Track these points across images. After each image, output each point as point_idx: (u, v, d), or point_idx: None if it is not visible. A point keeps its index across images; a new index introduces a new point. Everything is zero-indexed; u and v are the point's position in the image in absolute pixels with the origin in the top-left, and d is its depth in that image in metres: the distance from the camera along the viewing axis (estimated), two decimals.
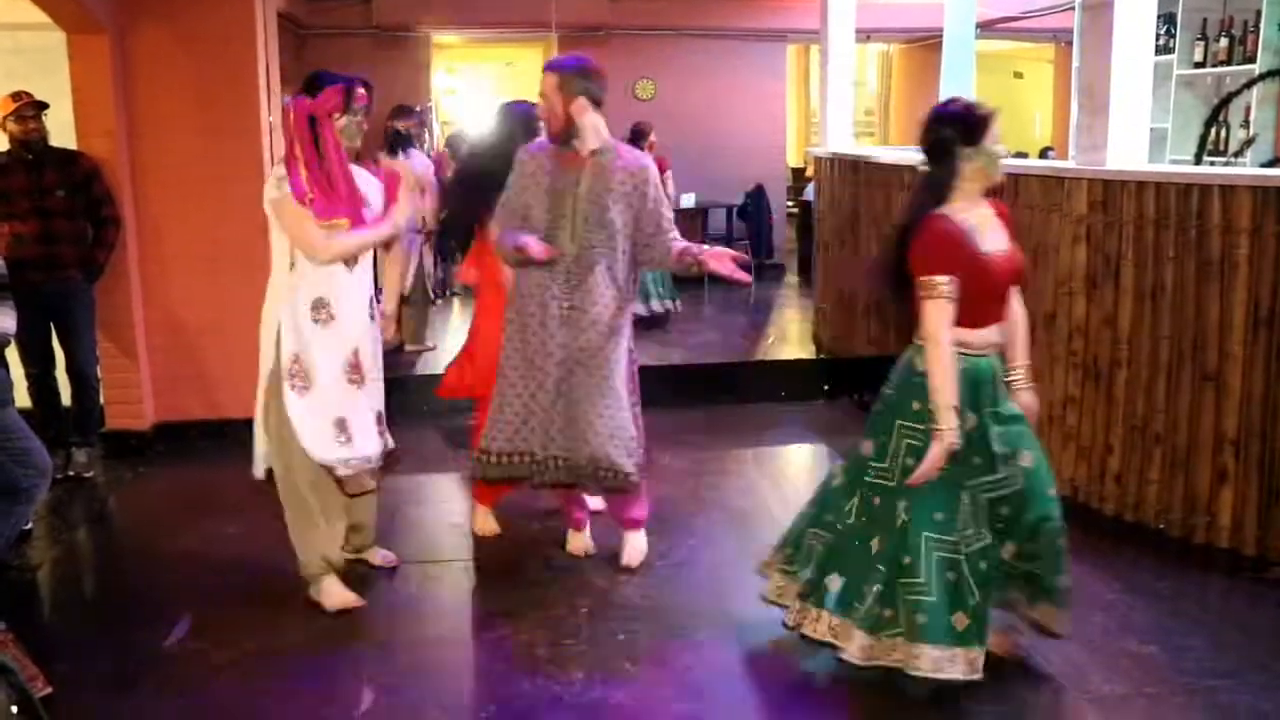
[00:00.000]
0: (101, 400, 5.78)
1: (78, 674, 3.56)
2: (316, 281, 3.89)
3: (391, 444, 4.18)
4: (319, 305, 3.90)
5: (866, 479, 3.41)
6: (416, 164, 7.62)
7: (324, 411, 3.90)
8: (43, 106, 5.36)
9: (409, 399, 6.64)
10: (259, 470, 4.05)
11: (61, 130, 5.60)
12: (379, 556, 4.41)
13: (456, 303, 10.00)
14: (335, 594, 4.02)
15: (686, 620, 3.93)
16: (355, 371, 3.97)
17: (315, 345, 3.89)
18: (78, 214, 5.45)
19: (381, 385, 4.15)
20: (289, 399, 3.86)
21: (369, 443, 4.00)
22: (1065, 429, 5.10)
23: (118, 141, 5.67)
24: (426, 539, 4.77)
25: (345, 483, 3.99)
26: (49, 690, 3.32)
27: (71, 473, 5.48)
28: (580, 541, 4.52)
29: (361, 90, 4.05)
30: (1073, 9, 8.44)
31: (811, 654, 3.59)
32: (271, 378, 3.91)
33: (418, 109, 9.49)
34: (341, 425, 3.92)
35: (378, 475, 4.11)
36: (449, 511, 5.07)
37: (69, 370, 5.56)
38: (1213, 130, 6.74)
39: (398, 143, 7.82)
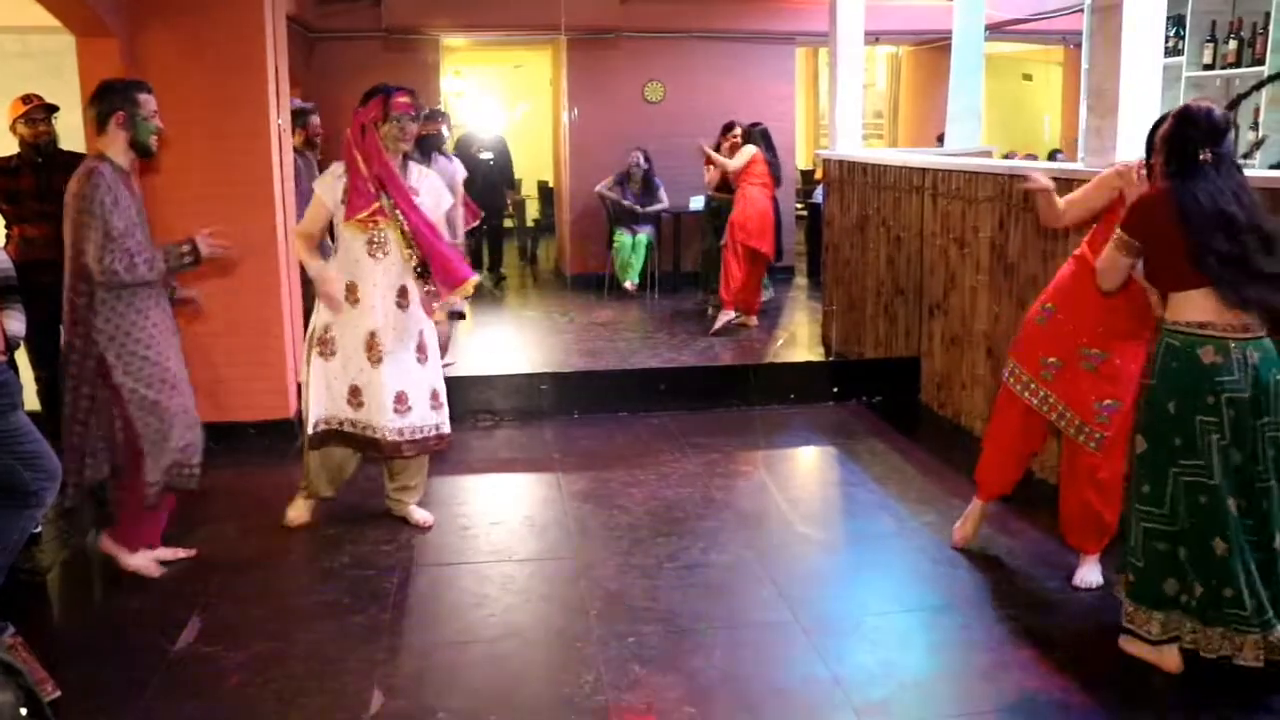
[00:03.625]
0: None
1: (86, 677, 3.57)
2: (346, 267, 4.54)
3: (427, 427, 4.69)
4: (350, 288, 4.54)
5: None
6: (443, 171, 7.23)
7: (343, 376, 4.59)
8: (53, 110, 5.38)
9: None
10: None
11: (71, 134, 5.61)
12: (417, 516, 4.91)
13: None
14: (295, 511, 4.88)
15: (696, 622, 3.93)
16: (371, 350, 4.54)
17: (342, 321, 4.55)
18: None
19: (407, 367, 4.62)
20: (314, 362, 4.61)
21: (380, 415, 4.56)
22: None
23: None
24: (435, 541, 4.77)
25: (348, 439, 4.68)
26: (58, 694, 3.33)
27: None
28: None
29: (403, 99, 4.49)
30: (1082, 11, 8.43)
31: (821, 655, 3.60)
32: (308, 342, 4.66)
33: (442, 111, 9.50)
34: (355, 392, 4.58)
35: (399, 449, 4.64)
36: (457, 514, 5.07)
37: None
38: None
39: (425, 148, 7.34)
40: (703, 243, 9.54)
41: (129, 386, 4.14)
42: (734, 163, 8.65)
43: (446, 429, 4.79)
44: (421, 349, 4.67)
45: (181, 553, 4.56)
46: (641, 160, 10.29)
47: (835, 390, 7.06)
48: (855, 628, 3.90)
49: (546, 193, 14.33)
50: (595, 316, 9.38)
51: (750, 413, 6.82)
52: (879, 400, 6.98)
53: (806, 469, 6.09)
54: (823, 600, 4.21)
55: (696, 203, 10.43)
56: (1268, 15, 6.64)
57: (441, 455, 5.11)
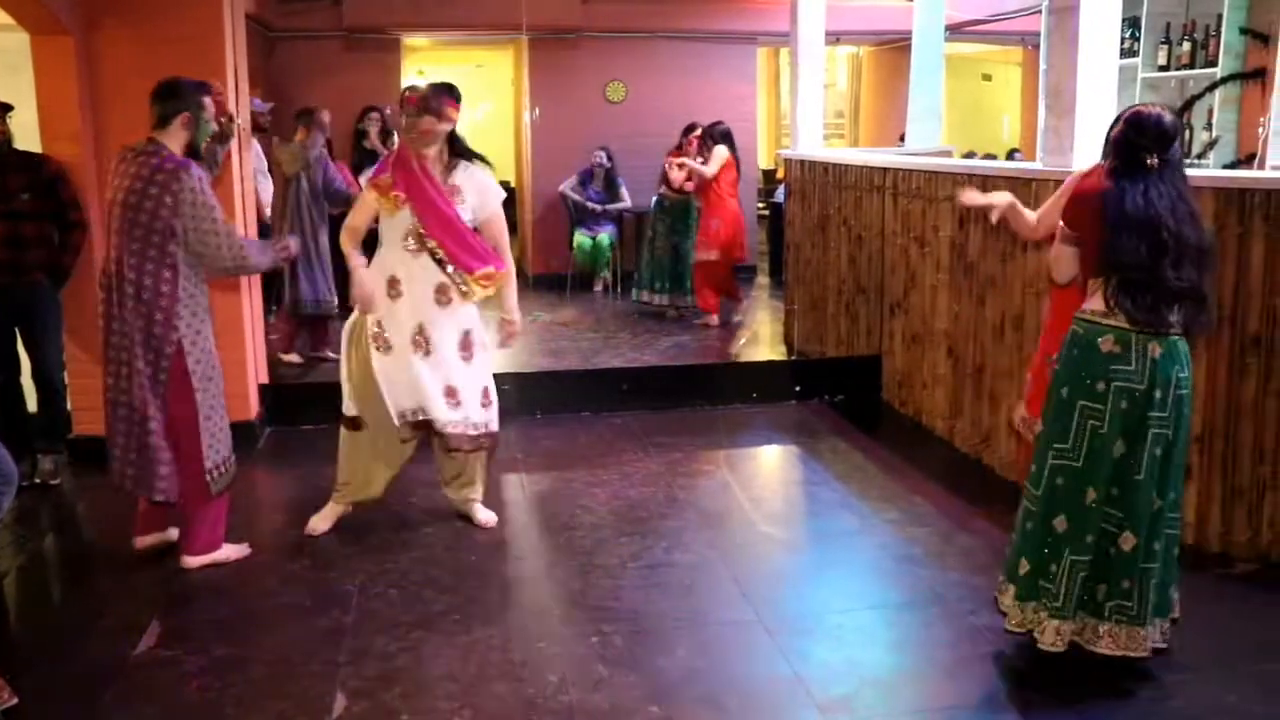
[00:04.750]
0: (68, 406, 5.72)
1: (44, 684, 3.53)
2: (389, 262, 4.60)
3: (478, 424, 4.68)
4: (392, 283, 4.57)
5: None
6: None
7: (399, 369, 4.55)
8: (7, 109, 5.31)
9: None
10: (349, 409, 4.72)
11: (26, 133, 5.55)
12: (480, 515, 4.91)
13: None
14: (321, 517, 4.81)
15: (659, 622, 3.94)
16: (418, 344, 4.56)
17: (389, 315, 4.56)
18: (44, 218, 5.40)
19: (453, 363, 4.62)
20: (374, 356, 4.55)
21: (435, 409, 4.55)
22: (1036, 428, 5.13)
23: (84, 145, 5.61)
24: (397, 542, 4.75)
25: (400, 429, 4.62)
26: (15, 701, 3.29)
27: (37, 480, 5.42)
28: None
29: (407, 94, 4.65)
30: (1040, 13, 8.51)
31: (784, 653, 3.63)
32: (356, 338, 4.65)
33: (387, 110, 9.47)
34: (412, 384, 4.54)
35: (461, 442, 4.64)
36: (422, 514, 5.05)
37: (35, 376, 5.50)
38: None
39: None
40: (652, 242, 9.42)
41: (198, 374, 4.26)
42: (709, 169, 8.63)
43: (495, 427, 4.78)
44: (466, 346, 4.65)
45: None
46: (604, 158, 10.31)
47: (797, 389, 7.09)
48: (818, 625, 3.92)
49: (508, 193, 14.28)
50: (558, 316, 9.37)
51: (713, 412, 6.84)
52: (841, 399, 7.02)
53: (769, 468, 6.11)
54: (785, 598, 4.23)
55: None
56: (1220, 17, 6.74)
57: (493, 453, 5.04)
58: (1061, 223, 3.60)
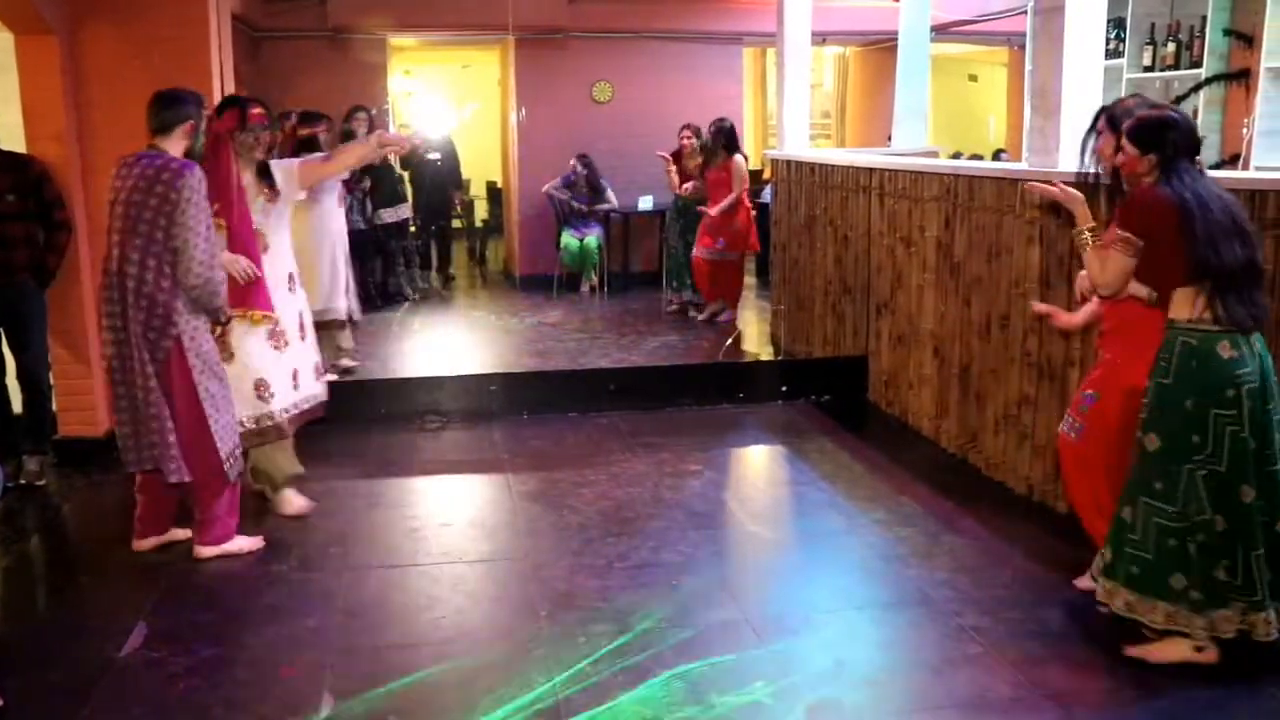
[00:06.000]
0: (53, 407, 5.70)
1: (31, 686, 3.51)
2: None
3: (316, 397, 5.05)
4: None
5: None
6: None
7: (245, 375, 4.68)
8: None
9: (361, 404, 6.59)
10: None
11: (10, 133, 5.52)
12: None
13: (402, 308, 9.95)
14: (292, 502, 5.00)
15: (646, 622, 3.94)
16: (276, 339, 4.76)
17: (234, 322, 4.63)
18: (29, 218, 5.38)
19: (297, 347, 4.91)
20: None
21: (307, 388, 4.94)
22: (1020, 428, 5.15)
23: (68, 145, 5.59)
24: (384, 543, 4.74)
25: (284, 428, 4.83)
26: (0, 703, 3.27)
27: (23, 481, 5.40)
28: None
29: (257, 110, 4.74)
30: (1026, 13, 8.54)
31: (768, 653, 3.63)
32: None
33: (374, 110, 9.46)
34: (261, 385, 4.72)
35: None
36: (406, 516, 5.05)
37: (20, 377, 5.48)
38: None
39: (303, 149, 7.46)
40: (669, 241, 9.56)
41: (198, 369, 4.29)
42: (736, 190, 8.72)
43: (324, 396, 5.13)
44: (301, 327, 4.96)
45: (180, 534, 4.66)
46: (580, 167, 10.30)
47: (784, 389, 7.10)
48: (805, 625, 3.93)
49: (495, 193, 14.28)
50: (545, 317, 9.37)
51: (700, 412, 6.84)
52: (827, 399, 7.03)
53: (756, 468, 6.12)
54: (772, 598, 4.24)
55: (645, 203, 10.45)
56: (1204, 19, 6.77)
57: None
58: (1126, 233, 3.45)
